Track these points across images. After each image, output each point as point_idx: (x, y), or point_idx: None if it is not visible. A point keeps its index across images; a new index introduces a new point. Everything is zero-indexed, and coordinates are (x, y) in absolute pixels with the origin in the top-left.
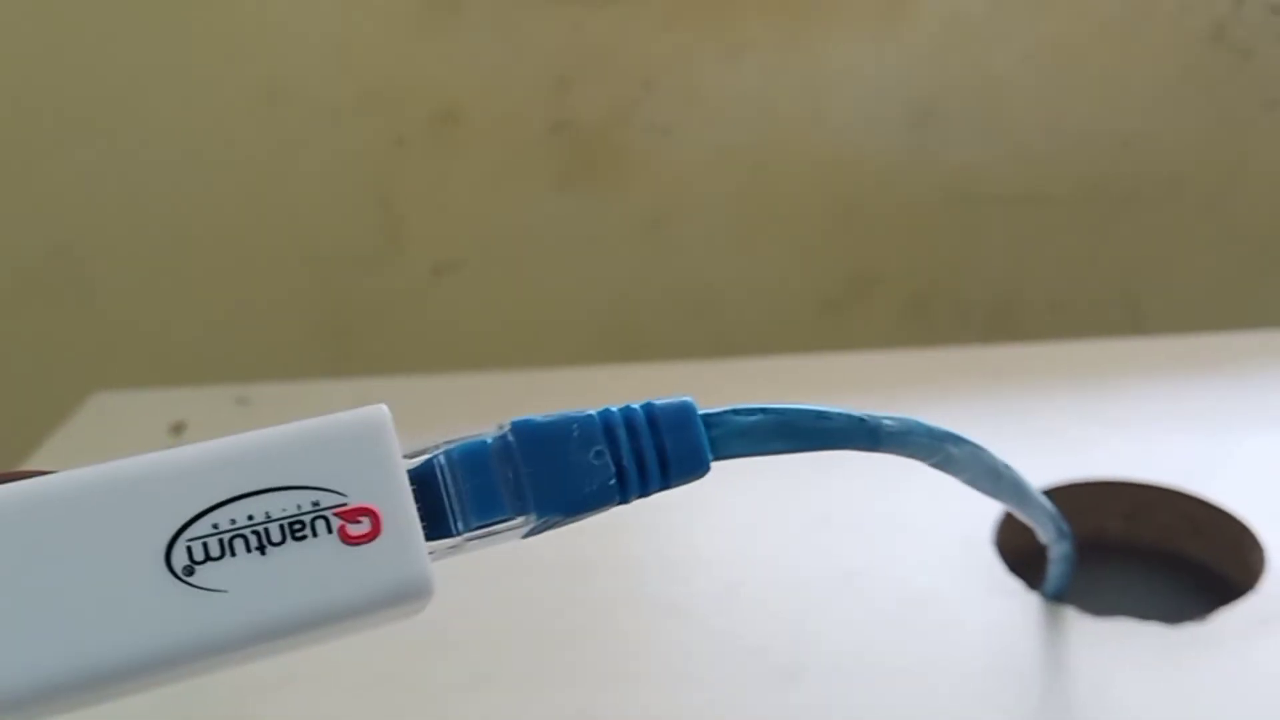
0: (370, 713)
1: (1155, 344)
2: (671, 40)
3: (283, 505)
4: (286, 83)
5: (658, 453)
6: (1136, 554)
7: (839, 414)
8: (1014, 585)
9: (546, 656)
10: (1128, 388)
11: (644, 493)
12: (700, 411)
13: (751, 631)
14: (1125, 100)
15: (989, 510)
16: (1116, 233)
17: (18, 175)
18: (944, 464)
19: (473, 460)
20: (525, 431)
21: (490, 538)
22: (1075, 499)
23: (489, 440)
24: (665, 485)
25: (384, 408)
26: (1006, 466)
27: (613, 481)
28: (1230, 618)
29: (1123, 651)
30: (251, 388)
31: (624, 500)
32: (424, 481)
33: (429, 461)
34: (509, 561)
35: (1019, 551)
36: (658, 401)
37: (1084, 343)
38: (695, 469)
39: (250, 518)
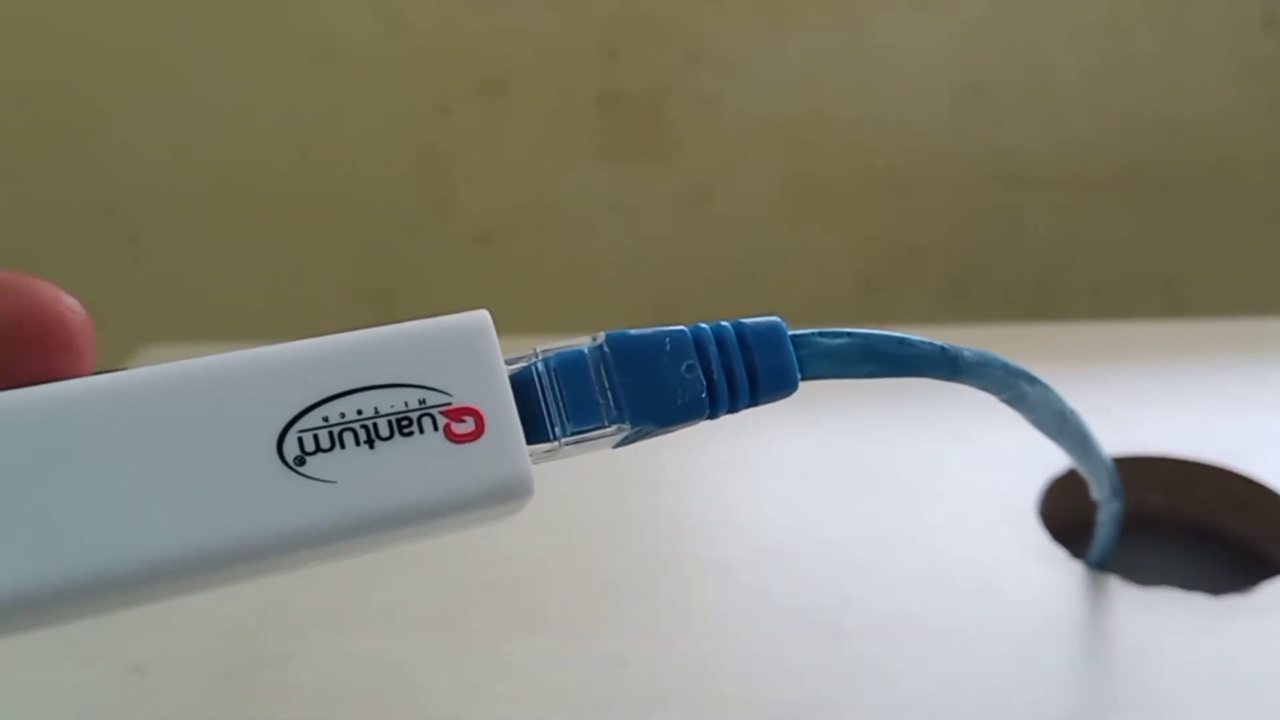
0: (417, 651)
1: (1197, 327)
2: (720, 12)
3: (391, 402)
4: (336, 46)
5: (748, 369)
6: (1178, 529)
7: (921, 341)
8: (1057, 553)
9: (587, 606)
10: (1171, 368)
11: (733, 408)
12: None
13: (791, 592)
14: (1173, 84)
15: (1033, 480)
16: (1160, 217)
17: (69, 134)
18: (1015, 400)
19: (570, 368)
20: (619, 343)
21: (584, 444)
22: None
23: (585, 350)
24: (754, 402)
25: (485, 313)
26: (1073, 412)
27: (703, 395)
28: (1274, 589)
29: (1166, 619)
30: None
31: (713, 414)
32: (522, 386)
33: (527, 368)
34: (551, 515)
35: (1062, 523)
36: (747, 320)
37: (1126, 324)
38: (784, 387)
39: (359, 412)
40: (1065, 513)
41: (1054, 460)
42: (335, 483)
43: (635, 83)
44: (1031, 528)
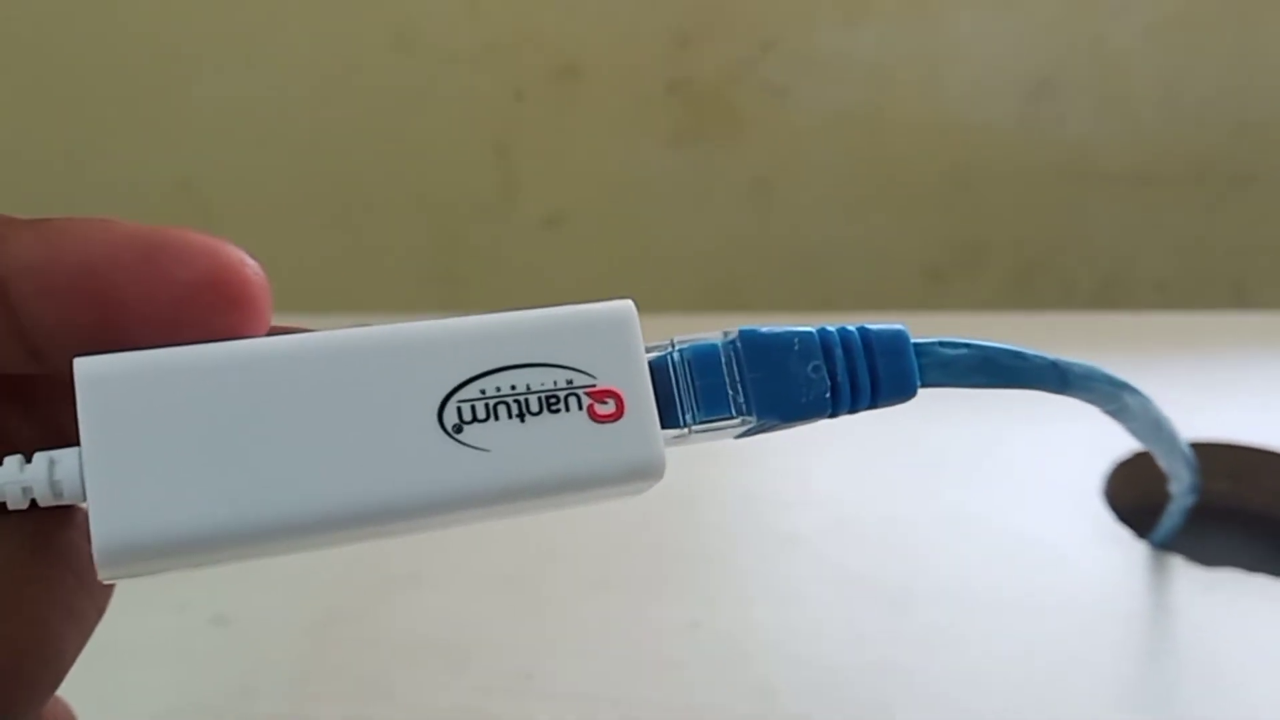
0: (493, 610)
1: (1263, 319)
2: (792, 2)
3: (541, 380)
4: (414, 30)
5: (870, 374)
6: (1243, 517)
7: (1035, 355)
8: (1121, 533)
9: (659, 572)
10: (1235, 359)
11: (853, 409)
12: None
13: (859, 562)
14: (1245, 82)
15: (1097, 464)
16: (1227, 216)
17: (147, 111)
18: (1119, 412)
19: (704, 361)
20: (751, 340)
21: (710, 433)
22: None
23: (719, 344)
24: (874, 405)
25: (630, 302)
26: (1167, 419)
27: (826, 395)
28: None
29: (1230, 598)
30: (368, 317)
31: (834, 414)
32: (659, 373)
33: (663, 357)
34: None
35: (1126, 507)
36: (873, 326)
37: (1192, 314)
38: (903, 393)
39: (513, 387)
40: (1129, 497)
41: (1117, 446)
42: (489, 451)
43: (707, 71)
44: (1096, 509)
